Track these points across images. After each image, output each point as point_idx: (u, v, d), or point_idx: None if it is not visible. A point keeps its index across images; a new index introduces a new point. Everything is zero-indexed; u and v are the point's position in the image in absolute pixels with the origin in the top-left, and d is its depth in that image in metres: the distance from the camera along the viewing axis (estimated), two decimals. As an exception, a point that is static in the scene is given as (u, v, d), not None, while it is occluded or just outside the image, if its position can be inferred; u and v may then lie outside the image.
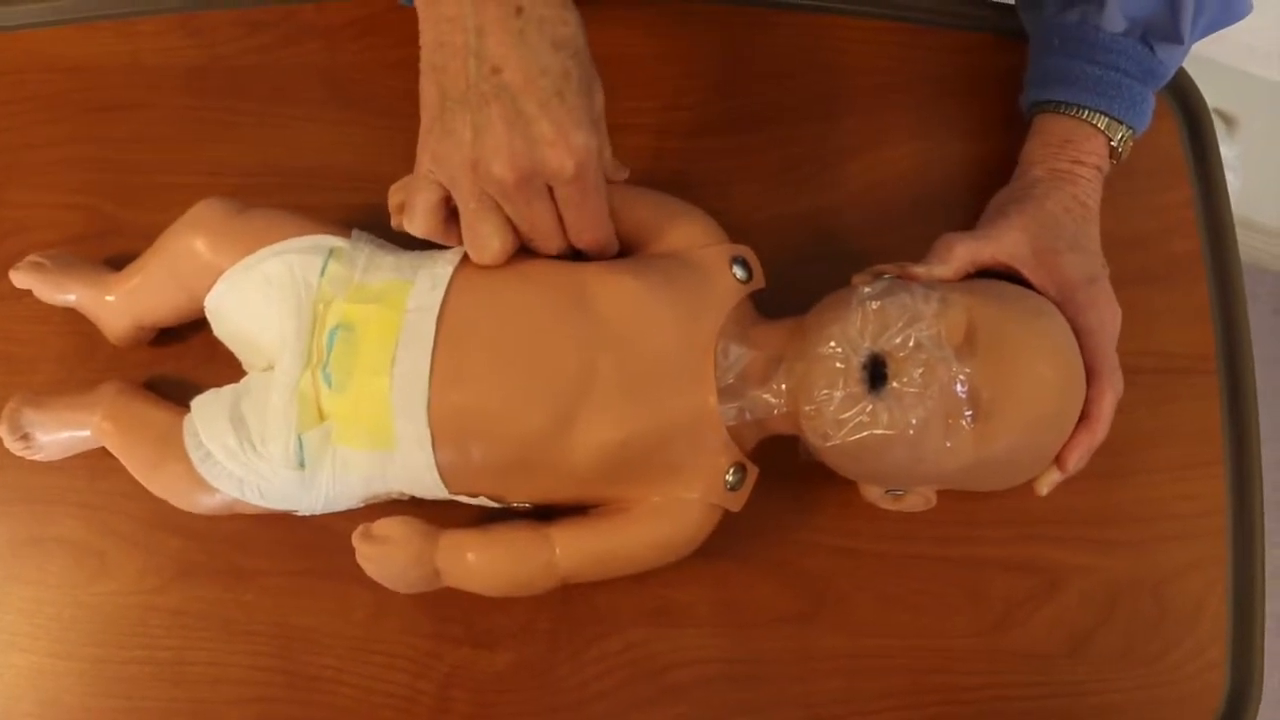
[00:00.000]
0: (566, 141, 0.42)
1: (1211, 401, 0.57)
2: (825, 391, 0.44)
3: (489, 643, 0.53)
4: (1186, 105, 0.61)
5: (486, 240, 0.46)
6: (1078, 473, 0.51)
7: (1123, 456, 0.55)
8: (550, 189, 0.45)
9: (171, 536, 0.53)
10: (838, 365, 0.44)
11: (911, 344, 0.44)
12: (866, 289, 0.46)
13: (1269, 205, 1.07)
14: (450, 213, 0.47)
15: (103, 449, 0.52)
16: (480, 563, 0.48)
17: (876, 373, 0.44)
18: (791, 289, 0.50)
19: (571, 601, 0.53)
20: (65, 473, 0.54)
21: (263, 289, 0.49)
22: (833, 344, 0.45)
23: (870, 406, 0.44)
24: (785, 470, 0.51)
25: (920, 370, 0.43)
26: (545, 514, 0.50)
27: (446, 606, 0.53)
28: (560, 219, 0.46)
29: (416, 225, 0.47)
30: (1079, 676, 0.54)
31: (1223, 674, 0.55)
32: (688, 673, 0.53)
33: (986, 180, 0.56)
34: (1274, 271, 1.20)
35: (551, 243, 0.47)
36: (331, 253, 0.50)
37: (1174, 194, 0.60)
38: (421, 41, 0.45)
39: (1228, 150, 0.60)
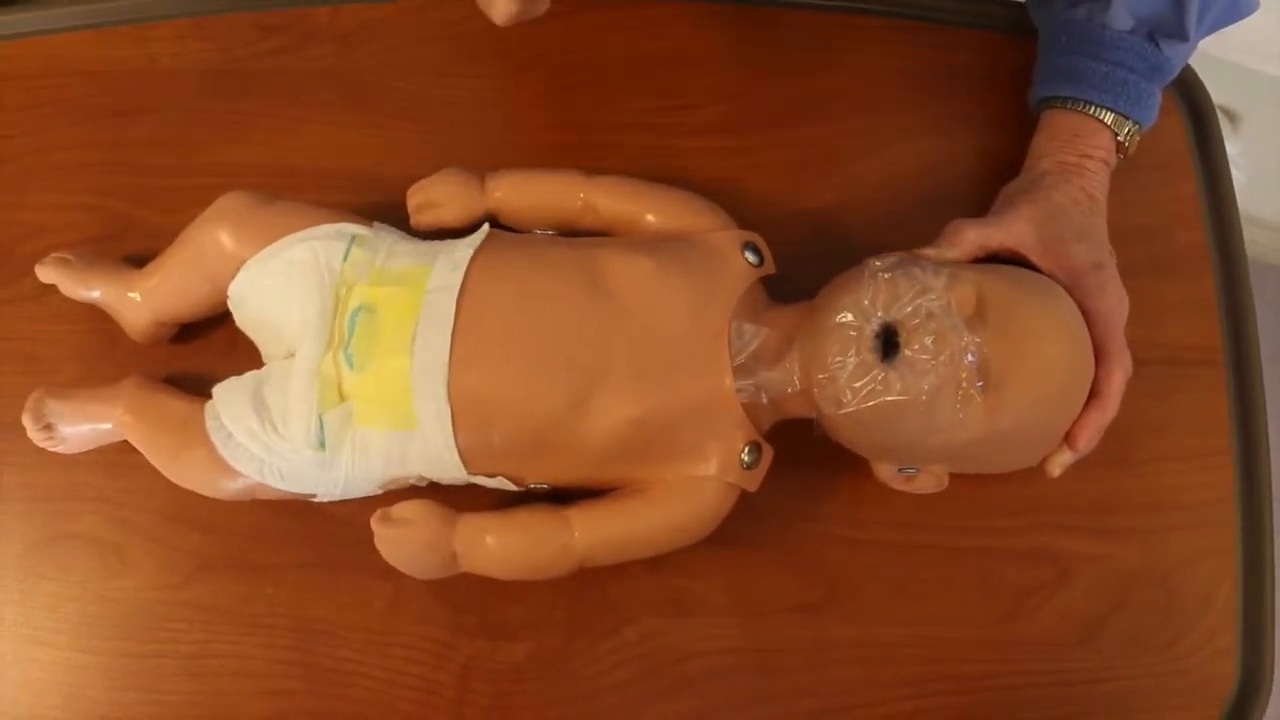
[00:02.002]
0: None
1: (1219, 392, 0.57)
2: (839, 359, 0.45)
3: (506, 634, 0.53)
4: (1191, 100, 0.61)
5: None
6: (1087, 462, 0.51)
7: (1131, 446, 0.56)
8: None
9: (191, 532, 0.54)
10: (851, 334, 0.45)
11: (923, 313, 0.44)
12: (877, 262, 0.47)
13: (1273, 201, 1.08)
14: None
15: (122, 445, 0.53)
16: (498, 544, 0.48)
17: (889, 342, 0.45)
18: (802, 286, 0.51)
19: (587, 592, 0.53)
20: (85, 469, 0.54)
21: (286, 273, 0.49)
22: (846, 314, 0.46)
23: (883, 374, 0.44)
24: (798, 461, 0.52)
25: (931, 338, 0.44)
26: (563, 500, 0.50)
27: (463, 598, 0.53)
28: None
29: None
30: (1089, 665, 0.54)
31: (1233, 662, 0.55)
32: (702, 663, 0.53)
33: (997, 177, 0.56)
34: (1277, 267, 1.20)
35: None
36: (354, 239, 0.50)
37: (1179, 188, 0.60)
38: None
39: (1231, 147, 0.61)
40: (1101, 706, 0.54)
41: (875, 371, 0.44)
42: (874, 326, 0.45)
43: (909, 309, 0.45)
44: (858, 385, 0.45)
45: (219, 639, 0.53)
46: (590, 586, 0.53)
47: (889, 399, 0.44)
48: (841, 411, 0.45)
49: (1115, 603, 0.55)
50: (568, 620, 0.54)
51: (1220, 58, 0.96)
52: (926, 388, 0.44)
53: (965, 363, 0.44)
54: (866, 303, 0.45)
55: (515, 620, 0.54)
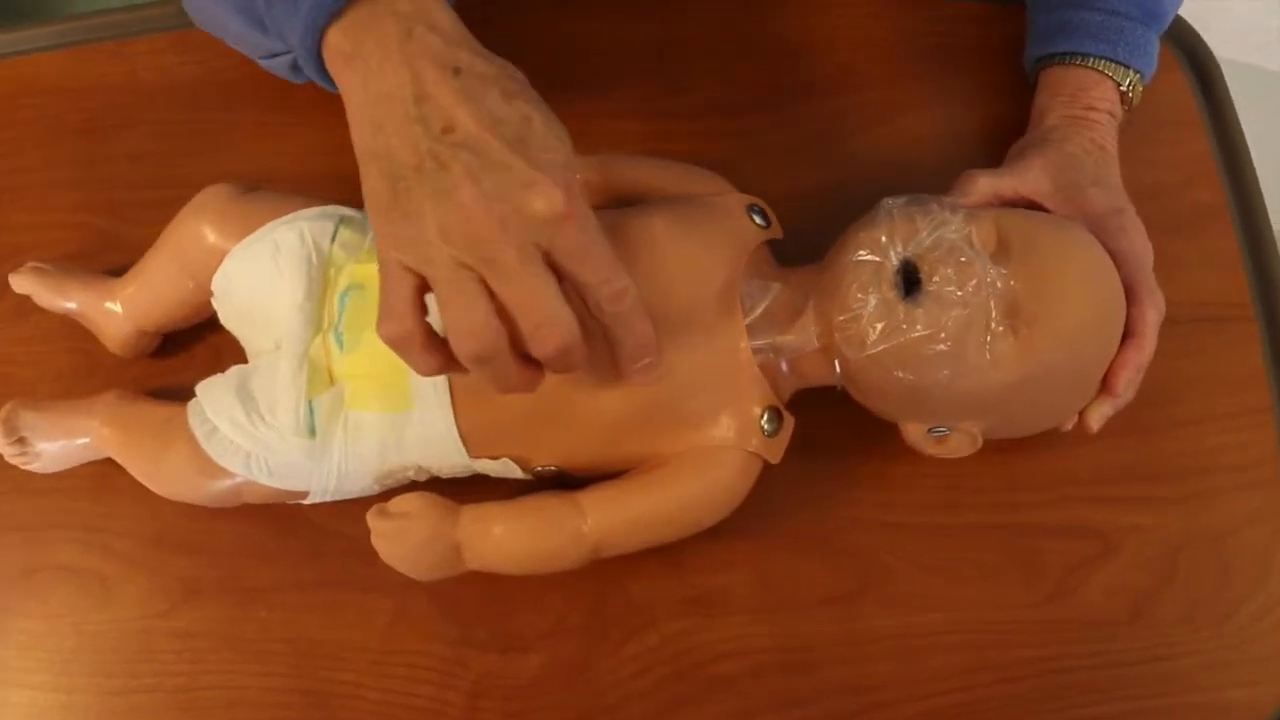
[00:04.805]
0: (548, 176, 0.36)
1: (1253, 346, 0.55)
2: (859, 297, 0.43)
3: (518, 646, 0.50)
4: (1195, 58, 0.61)
5: (467, 308, 0.37)
6: (1122, 427, 0.49)
7: (1165, 409, 0.53)
8: (543, 253, 0.37)
9: (177, 555, 0.51)
10: (870, 271, 0.43)
11: (944, 245, 0.43)
12: (891, 200, 0.45)
13: (1267, 195, 1.07)
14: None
15: (101, 468, 0.51)
16: (505, 533, 0.45)
17: (910, 279, 0.43)
18: (807, 262, 0.49)
19: (603, 595, 0.50)
20: (64, 495, 0.52)
21: (273, 257, 0.48)
22: (864, 252, 0.44)
23: (906, 311, 0.42)
24: (820, 444, 0.50)
25: (953, 269, 0.42)
26: (573, 488, 0.47)
27: (470, 610, 0.50)
28: (560, 291, 0.38)
29: (391, 327, 0.38)
30: (1143, 643, 0.51)
31: (1298, 631, 0.52)
32: (731, 665, 0.50)
33: (999, 146, 0.55)
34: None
35: (557, 327, 0.37)
36: (342, 220, 0.49)
37: (1191, 146, 0.59)
38: (354, 136, 0.40)
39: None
40: (1158, 689, 0.50)
41: (898, 309, 0.42)
42: (894, 263, 0.43)
43: (928, 242, 0.43)
44: (880, 325, 0.42)
45: (210, 669, 0.50)
46: (607, 588, 0.50)
47: (914, 335, 0.42)
48: (865, 354, 0.43)
49: (1165, 575, 0.52)
50: (584, 626, 0.50)
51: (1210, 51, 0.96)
52: (952, 321, 0.42)
53: (991, 295, 0.42)
54: (884, 239, 0.43)
55: (528, 630, 0.50)
